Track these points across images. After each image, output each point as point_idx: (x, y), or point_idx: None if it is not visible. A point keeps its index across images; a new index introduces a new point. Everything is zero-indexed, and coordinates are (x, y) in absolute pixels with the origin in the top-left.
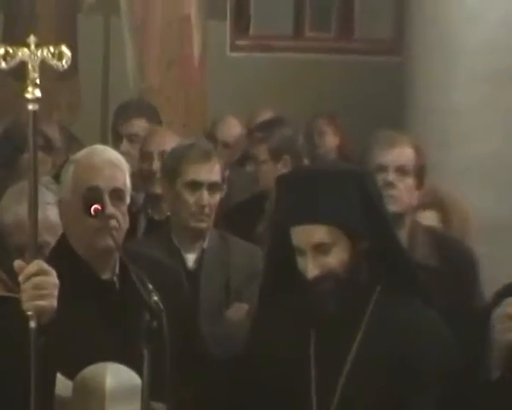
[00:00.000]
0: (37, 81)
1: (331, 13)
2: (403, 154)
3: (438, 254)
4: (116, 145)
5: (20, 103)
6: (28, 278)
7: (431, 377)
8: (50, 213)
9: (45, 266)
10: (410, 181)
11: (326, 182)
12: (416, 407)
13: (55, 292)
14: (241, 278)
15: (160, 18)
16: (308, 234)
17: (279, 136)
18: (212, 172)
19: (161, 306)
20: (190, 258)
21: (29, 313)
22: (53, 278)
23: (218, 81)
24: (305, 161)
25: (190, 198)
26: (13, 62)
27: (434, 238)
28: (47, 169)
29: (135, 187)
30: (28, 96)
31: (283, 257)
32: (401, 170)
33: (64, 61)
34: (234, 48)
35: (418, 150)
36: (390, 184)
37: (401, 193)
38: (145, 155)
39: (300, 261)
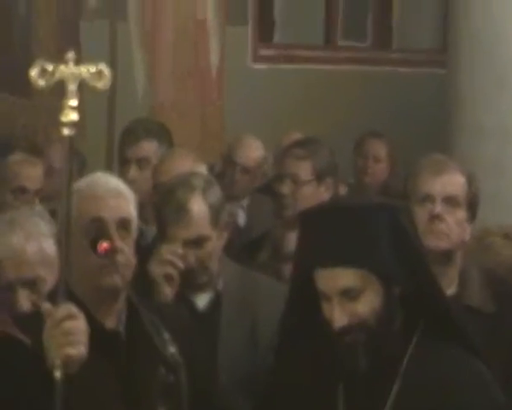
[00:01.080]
0: (76, 104)
1: (366, 20)
2: (452, 182)
3: (494, 299)
4: (123, 171)
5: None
6: (57, 323)
7: None
8: (46, 245)
9: (74, 310)
10: (460, 214)
11: (354, 220)
12: None
13: (85, 339)
14: (271, 321)
15: (172, 24)
16: (334, 278)
17: (323, 154)
18: (190, 227)
19: (179, 358)
20: (200, 299)
21: (56, 361)
22: (83, 324)
23: (238, 96)
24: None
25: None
26: (52, 81)
27: (491, 280)
28: (38, 172)
29: (146, 220)
30: (64, 119)
31: (307, 302)
32: (450, 201)
33: (103, 83)
34: (256, 58)
35: (470, 178)
36: (437, 217)
37: (450, 227)
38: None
39: (326, 308)
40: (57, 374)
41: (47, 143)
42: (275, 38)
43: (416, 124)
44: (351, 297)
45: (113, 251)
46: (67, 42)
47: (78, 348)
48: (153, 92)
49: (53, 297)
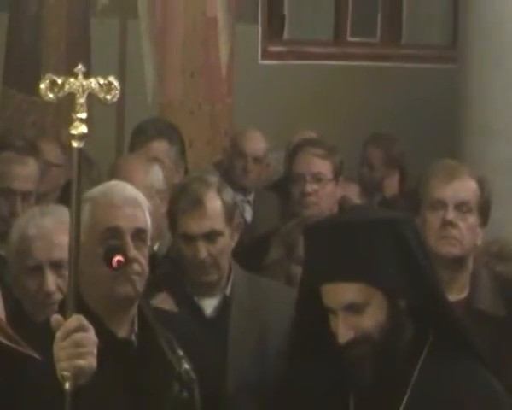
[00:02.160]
0: (85, 116)
1: (376, 16)
2: (464, 188)
3: (505, 303)
4: None
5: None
6: (68, 334)
7: None
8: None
9: (85, 321)
10: (472, 219)
11: (357, 235)
12: None
13: (95, 350)
14: (280, 327)
15: (182, 21)
16: (338, 293)
17: (338, 154)
18: (204, 219)
19: (193, 375)
20: (208, 304)
21: (65, 373)
22: (92, 335)
23: (248, 93)
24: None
25: (187, 251)
26: (61, 94)
27: (502, 283)
28: (28, 171)
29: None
30: (74, 132)
31: (314, 316)
32: (462, 206)
33: (112, 95)
34: (266, 55)
35: (482, 183)
36: (449, 223)
37: (462, 234)
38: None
39: (332, 322)
40: (67, 386)
41: (43, 139)
42: (284, 34)
43: (425, 119)
44: (355, 311)
45: (126, 263)
46: (78, 40)
47: (89, 360)
48: (162, 90)
49: (63, 308)
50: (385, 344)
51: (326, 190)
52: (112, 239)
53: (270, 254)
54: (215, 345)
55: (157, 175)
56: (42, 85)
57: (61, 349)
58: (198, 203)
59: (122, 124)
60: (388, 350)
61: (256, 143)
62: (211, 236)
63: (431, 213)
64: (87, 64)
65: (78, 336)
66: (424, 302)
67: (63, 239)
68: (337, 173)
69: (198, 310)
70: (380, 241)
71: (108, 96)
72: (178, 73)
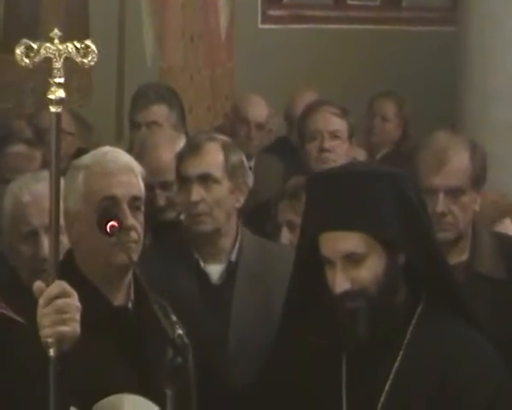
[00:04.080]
0: (62, 81)
1: None
2: (454, 172)
3: (506, 266)
4: (134, 134)
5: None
6: (50, 301)
7: None
8: None
9: (67, 287)
10: (466, 198)
11: (358, 186)
12: None
13: (78, 316)
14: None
15: None
16: (338, 242)
17: (351, 115)
18: (200, 161)
19: (186, 340)
20: (214, 271)
21: (49, 339)
22: (75, 301)
23: (248, 57)
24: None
25: (183, 197)
26: (37, 59)
27: (501, 246)
28: (35, 166)
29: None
30: (51, 97)
31: (311, 269)
32: (454, 191)
33: (90, 59)
34: (266, 19)
35: (474, 150)
36: (441, 214)
37: (456, 217)
38: None
39: (329, 274)
40: (51, 352)
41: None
42: None
43: (426, 82)
44: (353, 262)
45: (120, 229)
46: (76, 6)
47: (72, 326)
48: (162, 55)
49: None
50: (380, 300)
51: (342, 149)
52: (108, 208)
53: (275, 216)
54: (219, 312)
55: None
56: (17, 51)
57: (43, 316)
58: (196, 147)
59: (122, 90)
60: (383, 307)
61: (259, 110)
62: (205, 180)
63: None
64: (85, 29)
65: (61, 302)
66: (421, 261)
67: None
68: (351, 134)
69: (205, 277)
70: (382, 192)
71: (85, 60)
72: (178, 37)
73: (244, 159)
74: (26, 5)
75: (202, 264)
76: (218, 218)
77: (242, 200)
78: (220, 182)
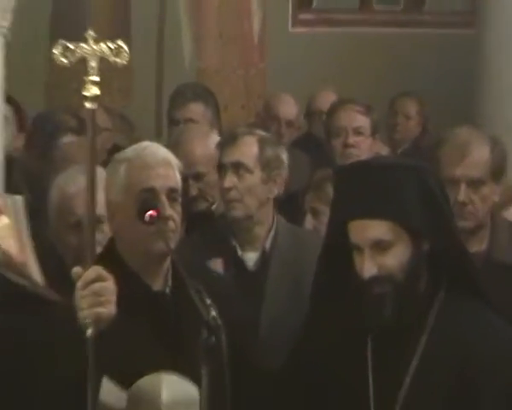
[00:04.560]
0: (97, 79)
1: None
2: (475, 163)
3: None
4: (172, 131)
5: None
6: (87, 284)
7: (492, 395)
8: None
9: (103, 271)
10: (485, 189)
11: (384, 177)
12: None
13: (114, 298)
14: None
15: None
16: (367, 230)
17: (375, 113)
18: (235, 152)
19: (219, 321)
20: (250, 258)
21: (86, 320)
22: (111, 284)
23: (279, 59)
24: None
25: (220, 183)
26: (73, 58)
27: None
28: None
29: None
30: (87, 93)
31: (340, 255)
32: (474, 182)
33: (122, 58)
34: (296, 22)
35: (495, 145)
36: (462, 203)
37: (476, 207)
38: None
39: (357, 260)
40: (89, 332)
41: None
42: (314, 3)
43: (449, 84)
44: (381, 249)
45: (159, 219)
46: (119, 7)
47: (108, 307)
48: (199, 56)
49: (99, 262)
50: (405, 286)
51: (365, 144)
52: (147, 200)
53: (302, 205)
54: (253, 296)
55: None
56: (55, 51)
57: (81, 298)
58: (234, 138)
59: (160, 90)
60: (408, 292)
61: (289, 107)
62: (238, 168)
63: None
64: (126, 31)
65: (97, 285)
66: (443, 249)
67: (101, 196)
68: (374, 130)
69: (241, 263)
70: (406, 183)
71: (118, 60)
72: (214, 39)
73: (282, 154)
74: (73, 6)
75: (240, 252)
76: (250, 205)
77: (276, 191)
78: (252, 171)
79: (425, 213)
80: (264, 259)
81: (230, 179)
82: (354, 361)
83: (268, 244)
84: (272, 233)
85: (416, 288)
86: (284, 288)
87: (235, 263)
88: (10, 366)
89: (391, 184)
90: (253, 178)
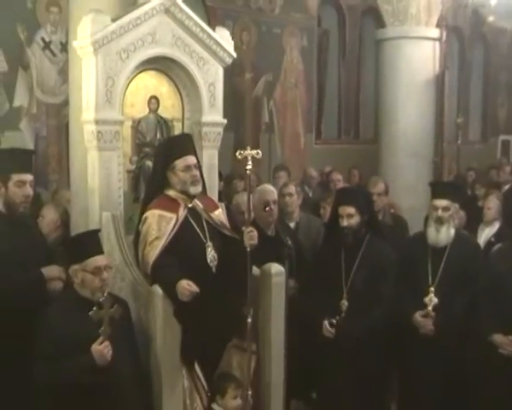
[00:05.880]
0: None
1: None
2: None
3: (392, 220)
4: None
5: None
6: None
7: (392, 274)
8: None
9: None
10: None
11: (358, 193)
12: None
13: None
14: (314, 235)
15: None
16: (345, 209)
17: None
18: (287, 183)
19: (291, 245)
20: (291, 225)
21: (248, 249)
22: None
23: None
24: None
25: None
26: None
27: (391, 213)
28: None
29: None
30: (248, 168)
31: (334, 220)
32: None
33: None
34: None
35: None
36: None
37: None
38: None
39: (340, 221)
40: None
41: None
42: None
43: None
44: (349, 217)
45: (271, 210)
46: None
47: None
48: None
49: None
50: (356, 230)
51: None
52: (265, 204)
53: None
54: (296, 241)
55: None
56: None
57: (245, 235)
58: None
59: None
60: (357, 233)
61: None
62: (289, 196)
63: None
64: None
65: (253, 233)
66: (369, 217)
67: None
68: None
69: (288, 227)
70: (362, 200)
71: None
72: None
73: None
74: None
75: (287, 220)
76: (295, 210)
77: (300, 200)
78: (293, 195)
79: (367, 209)
80: (298, 226)
81: (286, 201)
82: (336, 258)
83: (298, 219)
84: (298, 216)
85: (360, 232)
86: (305, 238)
87: (284, 225)
88: None
89: (359, 196)
90: (295, 199)
